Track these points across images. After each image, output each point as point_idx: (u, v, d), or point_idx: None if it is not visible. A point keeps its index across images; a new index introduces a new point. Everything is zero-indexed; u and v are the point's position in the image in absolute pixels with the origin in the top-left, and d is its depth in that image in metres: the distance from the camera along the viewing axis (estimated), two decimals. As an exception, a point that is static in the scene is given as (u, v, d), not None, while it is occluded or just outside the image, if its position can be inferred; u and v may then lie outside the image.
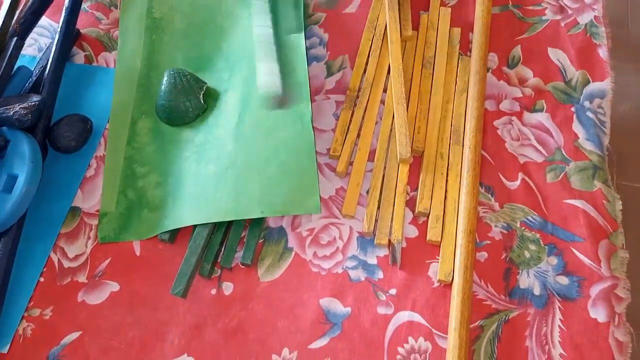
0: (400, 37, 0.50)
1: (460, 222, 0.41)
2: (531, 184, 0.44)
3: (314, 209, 0.43)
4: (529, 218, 0.43)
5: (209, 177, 0.45)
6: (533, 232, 0.43)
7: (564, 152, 0.46)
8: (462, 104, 0.47)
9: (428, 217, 0.43)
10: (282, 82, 0.47)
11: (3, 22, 0.47)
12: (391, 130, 0.46)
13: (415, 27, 0.52)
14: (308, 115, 0.47)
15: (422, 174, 0.44)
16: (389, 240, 0.42)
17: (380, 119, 0.47)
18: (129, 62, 0.52)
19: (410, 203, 0.44)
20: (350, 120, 0.47)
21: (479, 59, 0.48)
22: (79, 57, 0.53)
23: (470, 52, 0.50)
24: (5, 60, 0.46)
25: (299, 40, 0.51)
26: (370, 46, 0.50)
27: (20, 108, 0.42)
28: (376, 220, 0.43)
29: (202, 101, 0.48)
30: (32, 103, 0.43)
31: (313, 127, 0.46)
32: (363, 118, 0.47)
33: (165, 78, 0.49)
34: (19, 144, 0.43)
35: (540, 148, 0.46)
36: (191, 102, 0.48)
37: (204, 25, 0.54)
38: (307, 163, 0.45)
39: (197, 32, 0.53)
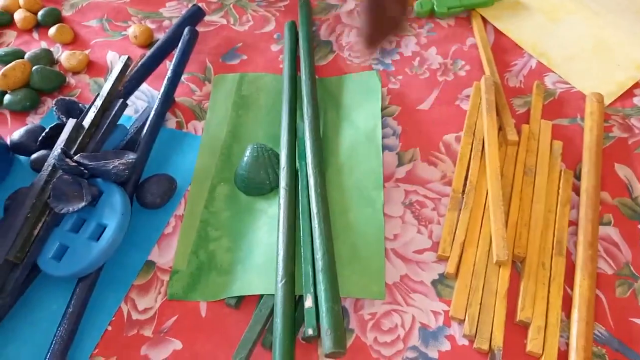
0: (506, 142, 0.53)
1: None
2: (601, 296, 0.44)
3: (379, 294, 0.44)
4: (596, 332, 0.42)
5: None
6: (599, 347, 0.42)
7: (632, 268, 0.46)
8: (565, 216, 0.48)
9: (529, 326, 0.43)
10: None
11: (113, 85, 0.53)
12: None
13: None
14: (380, 202, 0.49)
15: (523, 282, 0.44)
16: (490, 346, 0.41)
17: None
18: (215, 132, 0.57)
19: (510, 309, 0.44)
20: (457, 222, 0.48)
21: (591, 188, 0.49)
22: (172, 122, 0.58)
23: (577, 171, 0.51)
24: (110, 118, 0.51)
25: (376, 130, 0.54)
26: (471, 150, 0.53)
27: (119, 164, 0.46)
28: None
29: (278, 176, 0.51)
30: (129, 160, 0.47)
31: (384, 212, 0.48)
32: (469, 220, 0.48)
33: (249, 151, 0.52)
34: (111, 196, 0.46)
35: (609, 260, 0.46)
36: (269, 176, 0.51)
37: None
38: (376, 248, 0.46)
39: (279, 112, 0.58)
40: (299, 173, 0.51)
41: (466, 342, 0.42)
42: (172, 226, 0.50)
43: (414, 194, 0.51)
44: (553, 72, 0.61)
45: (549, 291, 0.44)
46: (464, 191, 0.51)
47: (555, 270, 0.45)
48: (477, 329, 0.43)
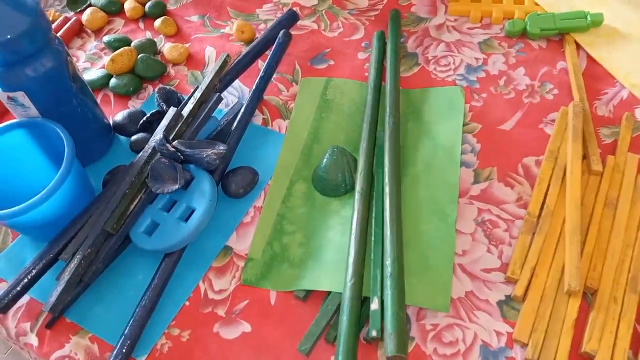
0: (590, 171, 0.52)
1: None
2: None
3: (443, 307, 0.45)
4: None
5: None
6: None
7: None
8: None
9: (593, 359, 0.42)
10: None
11: (211, 79, 0.57)
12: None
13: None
14: (453, 217, 0.50)
15: (592, 313, 0.44)
16: None
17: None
18: (298, 131, 0.59)
19: (575, 340, 0.43)
20: (530, 245, 0.48)
21: None
22: (258, 118, 0.61)
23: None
24: (206, 110, 0.55)
25: (455, 146, 0.55)
26: (551, 175, 0.53)
27: (212, 153, 0.50)
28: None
29: (355, 180, 0.53)
30: (220, 151, 0.51)
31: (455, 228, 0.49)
32: (542, 245, 0.48)
33: (329, 153, 0.54)
34: (202, 182, 0.50)
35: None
36: (345, 179, 0.53)
37: None
38: (445, 261, 0.47)
39: (360, 118, 0.59)
40: (375, 179, 0.53)
41: (528, 367, 0.42)
42: (250, 216, 0.53)
43: (487, 213, 0.52)
44: (646, 104, 0.59)
45: (618, 326, 0.43)
46: (539, 215, 0.50)
47: (626, 306, 0.44)
48: (540, 354, 0.42)
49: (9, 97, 0.48)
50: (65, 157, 0.45)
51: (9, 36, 0.43)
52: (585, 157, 0.54)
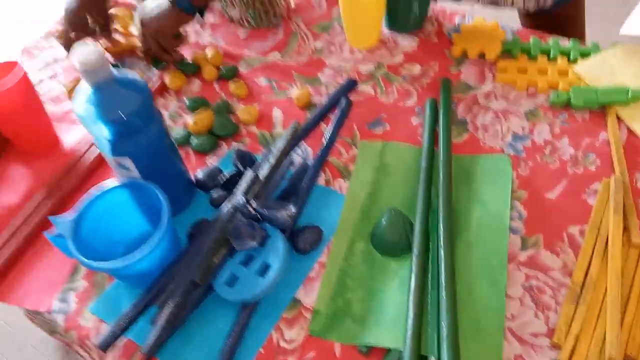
0: (630, 243, 0.56)
1: None
2: None
3: (495, 369, 0.50)
4: None
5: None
6: None
7: None
8: None
9: None
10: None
11: (284, 146, 0.64)
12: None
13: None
14: (503, 283, 0.55)
15: None
16: None
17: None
18: (357, 192, 0.65)
19: None
20: (574, 313, 0.53)
21: None
22: (320, 178, 0.67)
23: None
24: (279, 176, 0.61)
25: (503, 214, 0.60)
26: (594, 246, 0.57)
27: (286, 215, 0.56)
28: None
29: (411, 242, 0.59)
30: (292, 212, 0.57)
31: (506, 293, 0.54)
32: (585, 314, 0.52)
33: (387, 215, 0.60)
34: (276, 241, 0.56)
35: None
36: (402, 240, 0.59)
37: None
38: (496, 326, 0.52)
39: (415, 181, 0.65)
40: (430, 243, 0.58)
41: None
42: (315, 271, 0.59)
43: (534, 279, 0.56)
44: (686, 178, 0.63)
45: (657, 396, 0.47)
46: (583, 284, 0.55)
47: (666, 376, 0.48)
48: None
49: (116, 162, 0.55)
50: (162, 218, 0.52)
51: (123, 114, 0.51)
52: (626, 229, 0.58)
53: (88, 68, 0.48)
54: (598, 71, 0.74)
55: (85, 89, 0.51)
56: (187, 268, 0.55)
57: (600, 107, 0.71)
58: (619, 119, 0.70)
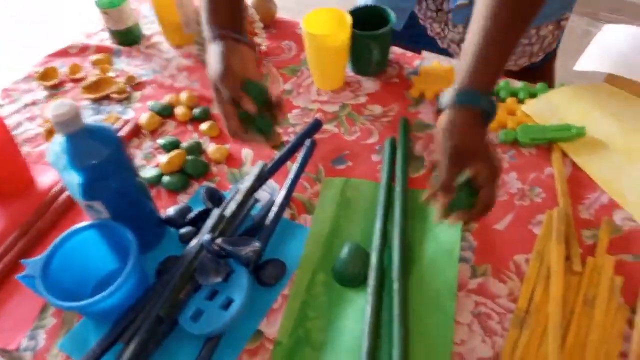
0: (571, 271, 0.61)
1: None
2: None
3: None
4: None
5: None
6: None
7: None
8: (617, 348, 0.55)
9: None
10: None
11: (251, 184, 0.67)
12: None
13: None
14: (452, 311, 0.58)
15: None
16: None
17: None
18: (320, 226, 0.69)
19: None
20: (519, 338, 0.56)
21: None
22: (286, 213, 0.71)
23: (633, 306, 0.58)
24: (244, 213, 0.65)
25: (455, 245, 0.64)
26: (538, 274, 0.61)
27: (250, 251, 0.60)
28: None
29: (366, 275, 0.62)
30: (256, 247, 0.61)
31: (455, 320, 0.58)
32: (529, 339, 0.56)
33: (347, 248, 0.64)
34: (240, 276, 0.60)
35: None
36: (360, 273, 0.63)
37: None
38: (445, 350, 0.55)
39: (374, 216, 0.69)
40: (385, 274, 0.62)
41: None
42: (278, 303, 0.62)
43: (483, 306, 0.60)
44: (623, 209, 0.68)
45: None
46: (527, 310, 0.59)
47: (603, 399, 0.52)
48: None
49: (87, 205, 0.59)
50: (131, 256, 0.56)
51: (93, 162, 0.55)
52: (567, 258, 0.63)
53: (59, 119, 0.52)
54: (544, 110, 0.80)
55: (58, 138, 0.55)
56: (153, 304, 0.58)
57: (547, 144, 0.76)
58: (564, 154, 0.75)
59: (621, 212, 0.68)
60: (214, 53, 0.64)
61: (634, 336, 0.55)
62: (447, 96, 0.59)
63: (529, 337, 0.56)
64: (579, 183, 0.71)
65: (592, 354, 0.54)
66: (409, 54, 0.94)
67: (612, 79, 0.82)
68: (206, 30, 0.67)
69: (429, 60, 0.91)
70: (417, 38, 1.02)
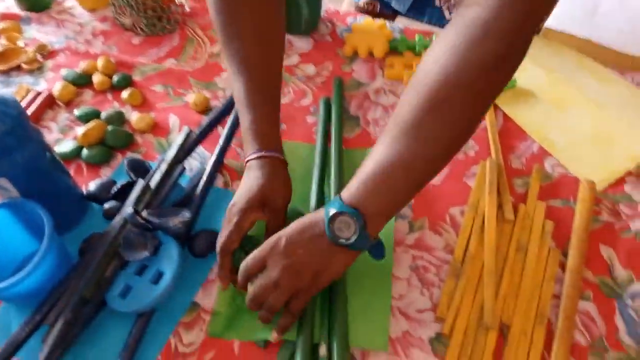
0: (504, 219, 0.61)
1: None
2: (573, 365, 0.52)
3: (382, 346, 0.53)
4: (567, 395, 0.50)
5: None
6: (569, 409, 0.49)
7: (605, 341, 0.53)
8: (549, 290, 0.56)
9: None
10: None
11: (176, 153, 0.64)
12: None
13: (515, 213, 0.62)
14: (390, 266, 0.58)
15: (507, 346, 0.52)
16: None
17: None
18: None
19: None
20: (455, 288, 0.56)
21: (575, 267, 0.57)
22: (219, 180, 0.68)
23: (566, 249, 0.59)
24: (171, 182, 0.61)
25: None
26: (472, 224, 0.61)
27: (178, 222, 0.57)
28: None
29: None
30: (186, 218, 0.58)
31: (392, 274, 0.57)
32: (465, 288, 0.56)
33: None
34: (170, 248, 0.56)
35: (585, 333, 0.54)
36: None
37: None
38: (383, 307, 0.55)
39: (311, 178, 0.67)
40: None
41: (454, 395, 0.50)
42: (214, 273, 0.60)
43: (420, 260, 0.60)
44: (553, 156, 0.69)
45: (528, 356, 0.52)
46: (463, 261, 0.59)
47: (536, 338, 0.53)
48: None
49: (-7, 182, 0.53)
50: (45, 236, 0.51)
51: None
52: (500, 207, 0.63)
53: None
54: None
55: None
56: (76, 284, 0.54)
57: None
58: (495, 106, 0.75)
59: (551, 160, 0.69)
60: (255, 176, 0.55)
61: (565, 278, 0.57)
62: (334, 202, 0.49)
63: (465, 286, 0.57)
64: (510, 133, 0.72)
65: (526, 298, 0.56)
66: (342, 11, 0.91)
67: (545, 32, 0.83)
68: (249, 143, 0.57)
69: (362, 17, 0.89)
70: (422, 9, 0.99)
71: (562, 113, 0.74)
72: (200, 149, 0.71)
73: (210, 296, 0.58)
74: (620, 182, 0.67)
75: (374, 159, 0.48)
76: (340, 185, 0.64)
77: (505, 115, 0.74)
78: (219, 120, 0.72)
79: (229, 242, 0.53)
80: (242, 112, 0.57)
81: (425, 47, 0.82)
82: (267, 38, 0.58)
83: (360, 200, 0.48)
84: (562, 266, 0.59)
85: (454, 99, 0.44)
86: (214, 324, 0.56)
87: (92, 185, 0.65)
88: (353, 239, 0.47)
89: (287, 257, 0.49)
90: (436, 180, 0.67)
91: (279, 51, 0.60)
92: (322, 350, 0.51)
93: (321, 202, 0.64)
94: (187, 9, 0.90)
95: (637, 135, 0.70)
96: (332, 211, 0.48)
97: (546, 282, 0.57)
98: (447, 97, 0.44)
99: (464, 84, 0.44)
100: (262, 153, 0.56)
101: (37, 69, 0.83)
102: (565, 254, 0.60)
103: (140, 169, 0.65)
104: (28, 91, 0.78)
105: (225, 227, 0.54)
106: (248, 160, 0.57)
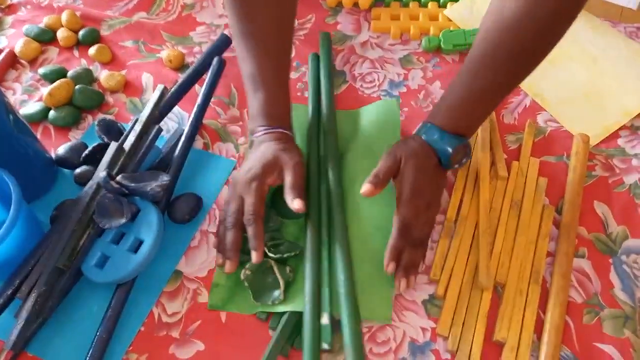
0: (497, 177, 0.59)
1: None
2: (570, 322, 0.51)
3: (385, 320, 0.51)
4: (563, 354, 0.49)
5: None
6: (564, 367, 0.48)
7: (600, 298, 0.52)
8: (544, 248, 0.54)
9: (504, 346, 0.49)
10: None
11: (150, 112, 0.59)
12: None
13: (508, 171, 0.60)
14: (389, 231, 0.55)
15: (502, 305, 0.51)
16: None
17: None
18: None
19: (489, 330, 0.50)
20: (449, 248, 0.55)
21: (569, 224, 0.56)
22: (199, 142, 0.64)
23: (559, 206, 0.58)
24: (146, 143, 0.57)
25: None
26: (465, 183, 0.59)
27: (156, 186, 0.53)
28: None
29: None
30: (164, 183, 0.54)
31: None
32: (459, 248, 0.55)
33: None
34: (148, 214, 0.53)
35: (580, 290, 0.53)
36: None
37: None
38: (387, 278, 0.52)
39: (301, 139, 0.63)
40: (322, 202, 0.57)
41: (449, 357, 0.49)
42: (197, 240, 0.57)
43: (412, 221, 0.58)
44: (546, 111, 0.67)
45: (524, 315, 0.51)
46: (456, 220, 0.57)
47: (531, 297, 0.52)
48: (459, 345, 0.49)
49: (-51, 147, 0.49)
50: (12, 203, 0.47)
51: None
52: (493, 164, 0.61)
53: None
54: (466, 13, 0.76)
55: None
56: (50, 254, 0.50)
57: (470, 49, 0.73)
58: (486, 59, 0.72)
59: (544, 114, 0.67)
60: (266, 145, 0.55)
61: (560, 234, 0.56)
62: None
63: (459, 246, 0.55)
64: (503, 88, 0.69)
65: (520, 255, 0.54)
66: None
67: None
68: (258, 121, 0.57)
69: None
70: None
71: (554, 66, 0.71)
72: (177, 108, 0.67)
73: (194, 264, 0.55)
74: (613, 136, 0.65)
75: (466, 88, 0.54)
76: (336, 150, 0.60)
77: (497, 69, 0.71)
78: (196, 77, 0.67)
79: (259, 208, 0.52)
80: (254, 90, 0.57)
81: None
82: (283, 24, 0.58)
83: (462, 126, 0.55)
84: (557, 224, 0.57)
85: (527, 35, 0.50)
86: (214, 296, 0.53)
87: (61, 149, 0.60)
88: (464, 161, 0.57)
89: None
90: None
91: (290, 34, 0.60)
92: (324, 320, 0.48)
93: (318, 164, 0.60)
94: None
95: (631, 89, 0.68)
96: (451, 145, 0.54)
97: (541, 240, 0.56)
98: (520, 36, 0.50)
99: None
100: (274, 129, 0.57)
101: (-5, 25, 0.76)
102: (559, 212, 0.58)
103: (112, 131, 0.61)
104: (-14, 48, 0.72)
105: (244, 193, 0.53)
106: (258, 135, 0.57)
